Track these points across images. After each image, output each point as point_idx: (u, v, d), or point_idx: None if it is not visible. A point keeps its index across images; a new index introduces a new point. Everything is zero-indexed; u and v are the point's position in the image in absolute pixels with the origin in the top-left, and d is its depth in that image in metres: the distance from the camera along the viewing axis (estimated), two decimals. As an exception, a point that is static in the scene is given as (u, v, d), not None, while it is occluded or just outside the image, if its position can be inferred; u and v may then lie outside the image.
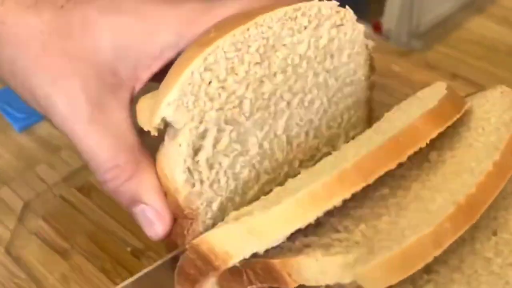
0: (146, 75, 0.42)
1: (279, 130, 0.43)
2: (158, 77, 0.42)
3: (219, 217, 0.41)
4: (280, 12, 0.40)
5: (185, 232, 0.41)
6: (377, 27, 0.69)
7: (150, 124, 0.38)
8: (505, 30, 0.73)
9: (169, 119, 0.37)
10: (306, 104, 0.44)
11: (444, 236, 0.32)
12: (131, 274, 0.46)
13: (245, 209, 0.38)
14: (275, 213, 0.33)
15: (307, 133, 0.46)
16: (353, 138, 0.49)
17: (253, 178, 0.43)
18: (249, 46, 0.39)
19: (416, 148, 0.36)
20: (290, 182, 0.41)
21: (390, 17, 0.68)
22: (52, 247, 0.49)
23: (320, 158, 0.47)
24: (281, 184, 0.45)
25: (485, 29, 0.73)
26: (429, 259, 0.32)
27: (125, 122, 0.41)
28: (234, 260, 0.36)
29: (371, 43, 0.47)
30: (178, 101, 0.37)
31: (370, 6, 0.70)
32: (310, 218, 0.33)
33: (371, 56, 0.48)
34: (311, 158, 0.47)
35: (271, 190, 0.44)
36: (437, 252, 0.32)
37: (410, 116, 0.40)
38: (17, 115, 0.61)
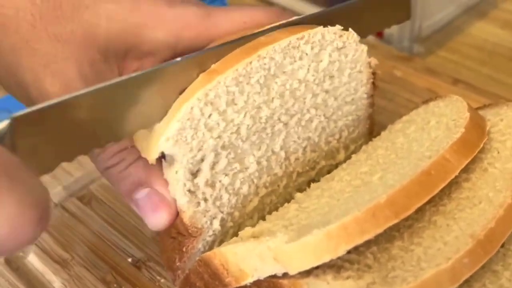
0: (134, 65, 0.42)
1: (276, 148, 0.43)
2: None
3: (219, 232, 0.41)
4: (283, 42, 0.39)
5: (184, 249, 0.40)
6: (378, 32, 0.69)
7: (148, 155, 0.37)
8: (508, 34, 0.72)
9: (167, 152, 0.37)
10: (303, 123, 0.44)
11: (462, 271, 0.32)
12: (132, 285, 0.46)
13: (263, 226, 0.38)
14: (306, 243, 0.33)
15: (305, 149, 0.45)
16: (354, 151, 0.49)
17: (253, 192, 0.43)
18: (250, 78, 0.38)
19: (447, 181, 0.36)
20: (304, 199, 0.41)
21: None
22: (52, 257, 0.49)
23: (320, 170, 0.47)
24: (281, 195, 0.45)
25: (487, 33, 0.73)
26: (445, 293, 0.32)
27: None
28: (249, 280, 0.35)
29: (374, 61, 0.46)
30: (176, 136, 0.36)
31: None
32: (341, 252, 0.32)
33: (375, 74, 0.47)
34: (310, 169, 0.47)
35: (271, 202, 0.44)
36: (454, 287, 0.32)
37: (432, 139, 0.40)
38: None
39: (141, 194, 0.39)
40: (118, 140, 0.37)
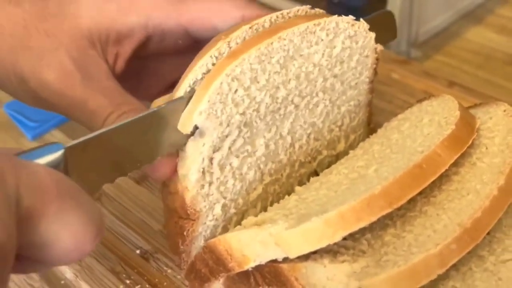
0: (115, 49, 0.46)
1: (284, 132, 0.46)
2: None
3: (221, 218, 0.44)
4: (302, 27, 0.42)
5: (185, 232, 0.43)
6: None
7: (182, 128, 0.40)
8: (503, 39, 0.75)
9: (200, 125, 0.40)
10: (311, 106, 0.46)
11: (450, 256, 0.35)
12: (140, 275, 0.48)
13: (265, 215, 0.40)
14: (305, 229, 0.35)
15: (309, 135, 0.48)
16: (354, 141, 0.52)
17: (258, 179, 0.45)
18: (271, 58, 0.41)
19: (438, 174, 0.38)
20: (304, 192, 0.43)
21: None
22: (64, 249, 0.51)
23: (321, 161, 0.50)
24: (283, 186, 0.48)
25: (483, 38, 0.75)
26: (434, 276, 0.34)
27: (117, 85, 0.44)
28: (251, 264, 0.38)
29: (380, 47, 0.49)
30: (208, 110, 0.39)
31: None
32: (338, 238, 0.35)
33: (378, 59, 0.50)
34: (312, 160, 0.50)
35: (274, 191, 0.47)
36: (442, 271, 0.34)
37: (424, 135, 0.42)
38: (29, 124, 0.62)
39: None
40: (151, 162, 0.40)
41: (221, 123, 0.40)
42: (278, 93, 0.43)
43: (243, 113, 0.41)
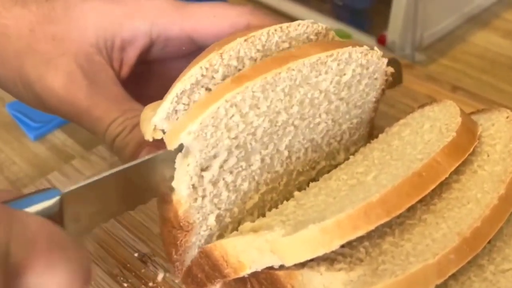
0: (119, 56, 0.46)
1: (282, 147, 0.45)
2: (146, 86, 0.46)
3: (216, 227, 0.43)
4: (313, 58, 0.41)
5: (178, 242, 0.42)
6: (381, 40, 0.71)
7: (168, 143, 0.39)
8: (508, 44, 0.74)
9: (186, 144, 0.38)
10: (311, 126, 0.45)
11: (448, 266, 0.34)
12: (138, 278, 0.48)
13: (262, 221, 0.40)
14: (301, 237, 0.35)
15: (307, 149, 0.47)
16: (354, 152, 0.50)
17: (253, 189, 0.44)
18: (276, 86, 0.40)
19: (437, 183, 0.38)
20: (302, 197, 0.43)
21: (394, 30, 0.69)
22: (62, 251, 0.51)
23: (320, 170, 0.49)
24: (281, 193, 0.47)
25: (488, 42, 0.74)
26: (431, 286, 0.34)
27: (122, 91, 0.44)
28: (247, 271, 0.37)
29: (390, 70, 0.47)
30: (199, 132, 0.38)
31: (374, 19, 0.71)
32: (334, 246, 0.35)
33: (387, 80, 0.48)
34: (311, 169, 0.49)
35: (271, 199, 0.46)
36: (440, 281, 0.34)
37: (425, 142, 0.42)
38: (32, 124, 0.62)
39: (143, 153, 0.42)
40: (146, 202, 0.41)
41: (207, 145, 0.39)
42: (278, 117, 0.42)
43: (235, 137, 0.40)
